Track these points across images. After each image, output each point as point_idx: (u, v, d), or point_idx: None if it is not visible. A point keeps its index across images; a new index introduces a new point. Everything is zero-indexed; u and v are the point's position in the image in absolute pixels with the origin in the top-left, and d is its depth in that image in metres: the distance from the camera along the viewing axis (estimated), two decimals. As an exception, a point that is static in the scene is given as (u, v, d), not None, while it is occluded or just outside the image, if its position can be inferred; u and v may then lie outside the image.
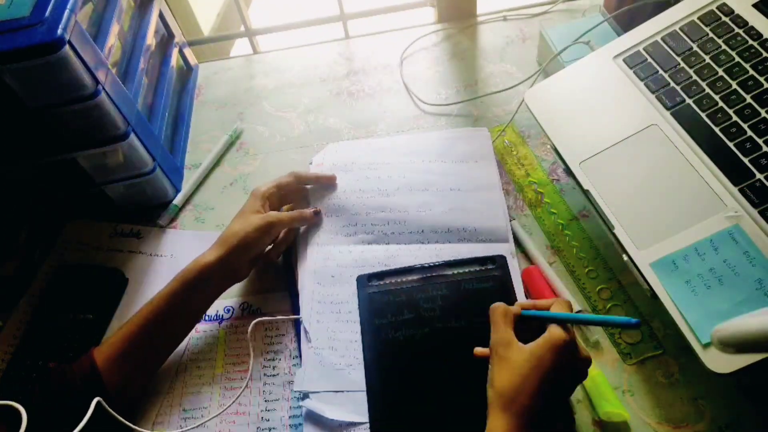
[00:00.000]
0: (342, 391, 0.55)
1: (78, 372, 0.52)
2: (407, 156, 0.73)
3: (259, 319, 0.60)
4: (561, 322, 0.47)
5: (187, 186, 0.76)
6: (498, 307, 0.50)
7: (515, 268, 0.61)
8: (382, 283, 0.60)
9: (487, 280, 0.58)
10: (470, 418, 0.48)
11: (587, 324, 0.46)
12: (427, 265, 0.61)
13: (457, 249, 0.63)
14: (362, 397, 0.54)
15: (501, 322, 0.49)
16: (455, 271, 0.60)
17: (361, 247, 0.65)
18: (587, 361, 0.48)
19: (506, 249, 0.63)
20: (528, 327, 0.49)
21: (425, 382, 0.53)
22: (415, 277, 0.60)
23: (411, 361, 0.55)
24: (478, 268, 0.59)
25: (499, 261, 0.60)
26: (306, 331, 0.59)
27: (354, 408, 0.54)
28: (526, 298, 0.60)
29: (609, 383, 0.54)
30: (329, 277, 0.63)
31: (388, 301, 0.59)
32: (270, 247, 0.65)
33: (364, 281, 0.61)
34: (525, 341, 0.47)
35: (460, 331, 0.55)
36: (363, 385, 0.55)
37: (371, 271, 0.62)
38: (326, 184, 0.70)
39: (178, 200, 0.74)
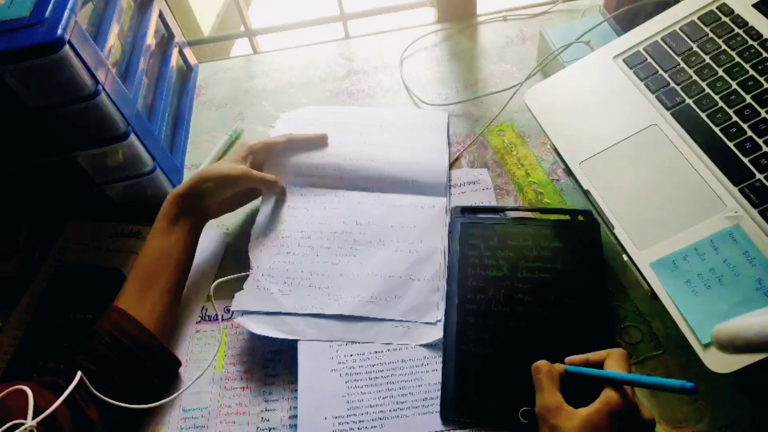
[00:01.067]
0: (272, 313, 0.61)
1: (111, 323, 0.55)
2: (367, 120, 0.78)
3: (220, 280, 0.64)
4: (615, 383, 0.43)
5: (187, 186, 0.76)
6: (541, 367, 0.46)
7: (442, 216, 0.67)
8: (475, 216, 0.65)
9: (575, 229, 0.63)
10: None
11: (639, 386, 0.43)
12: (517, 206, 0.66)
13: (397, 199, 0.69)
14: (289, 319, 0.60)
15: (546, 383, 0.45)
16: (545, 216, 0.64)
17: (311, 190, 0.70)
18: (650, 425, 0.43)
19: (443, 203, 0.68)
20: (580, 382, 0.45)
21: (505, 327, 0.57)
22: (505, 215, 0.65)
23: (493, 299, 0.59)
24: (567, 218, 0.64)
25: (588, 216, 0.63)
26: (249, 260, 0.64)
27: (279, 328, 0.60)
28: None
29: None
30: (278, 214, 0.68)
31: (479, 234, 0.64)
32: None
33: (458, 212, 0.66)
34: (578, 399, 0.44)
35: (544, 278, 0.59)
36: (291, 308, 0.61)
37: (315, 211, 0.68)
38: (318, 142, 0.72)
39: (178, 200, 0.74)
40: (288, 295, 0.62)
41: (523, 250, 0.61)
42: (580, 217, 0.63)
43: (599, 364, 0.46)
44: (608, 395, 0.42)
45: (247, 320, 0.60)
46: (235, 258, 0.69)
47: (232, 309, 0.61)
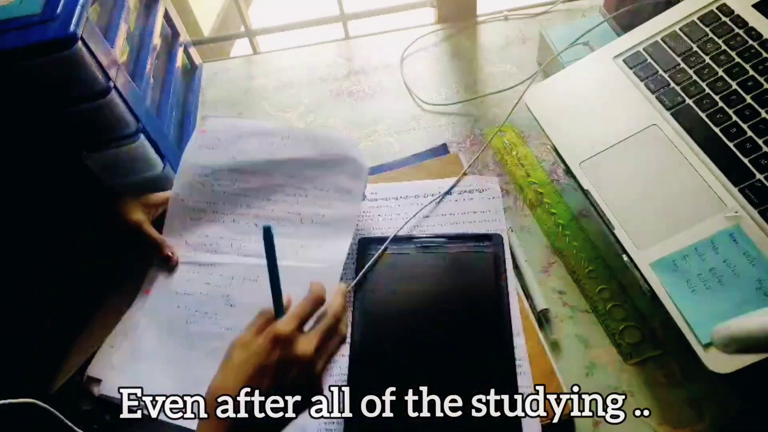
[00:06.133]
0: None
1: None
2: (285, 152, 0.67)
3: None
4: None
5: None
6: (262, 311, 0.47)
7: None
8: (381, 248, 0.63)
9: (482, 256, 0.62)
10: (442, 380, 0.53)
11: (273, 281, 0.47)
12: (425, 236, 0.64)
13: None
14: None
15: (255, 323, 0.46)
16: (452, 245, 0.63)
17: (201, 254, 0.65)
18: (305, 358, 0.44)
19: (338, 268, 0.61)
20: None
21: (407, 347, 0.57)
22: (412, 246, 0.63)
23: (397, 325, 0.58)
24: (474, 244, 0.63)
25: (495, 239, 0.63)
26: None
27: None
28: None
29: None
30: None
31: (384, 265, 0.62)
32: None
33: (365, 244, 0.64)
34: None
35: (448, 301, 0.59)
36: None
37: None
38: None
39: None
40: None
41: (424, 283, 0.60)
42: (486, 242, 0.62)
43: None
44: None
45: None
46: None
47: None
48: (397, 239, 0.64)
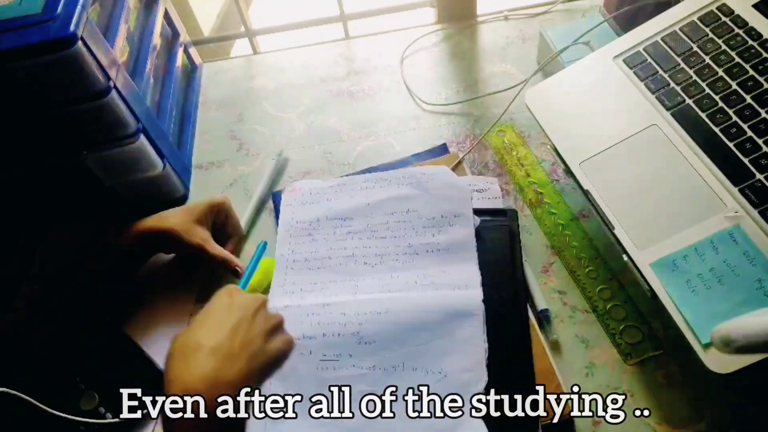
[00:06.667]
0: None
1: None
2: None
3: None
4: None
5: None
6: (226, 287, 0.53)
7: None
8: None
9: (497, 229, 0.62)
10: None
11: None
12: None
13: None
14: None
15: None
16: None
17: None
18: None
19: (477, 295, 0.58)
20: None
21: None
22: None
23: None
24: (489, 218, 0.63)
25: (510, 214, 0.64)
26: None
27: None
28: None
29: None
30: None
31: None
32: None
33: None
34: None
35: None
36: None
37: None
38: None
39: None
40: None
41: None
42: (501, 216, 0.63)
43: None
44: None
45: None
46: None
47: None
48: None
